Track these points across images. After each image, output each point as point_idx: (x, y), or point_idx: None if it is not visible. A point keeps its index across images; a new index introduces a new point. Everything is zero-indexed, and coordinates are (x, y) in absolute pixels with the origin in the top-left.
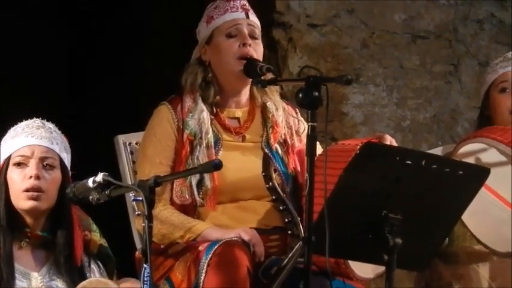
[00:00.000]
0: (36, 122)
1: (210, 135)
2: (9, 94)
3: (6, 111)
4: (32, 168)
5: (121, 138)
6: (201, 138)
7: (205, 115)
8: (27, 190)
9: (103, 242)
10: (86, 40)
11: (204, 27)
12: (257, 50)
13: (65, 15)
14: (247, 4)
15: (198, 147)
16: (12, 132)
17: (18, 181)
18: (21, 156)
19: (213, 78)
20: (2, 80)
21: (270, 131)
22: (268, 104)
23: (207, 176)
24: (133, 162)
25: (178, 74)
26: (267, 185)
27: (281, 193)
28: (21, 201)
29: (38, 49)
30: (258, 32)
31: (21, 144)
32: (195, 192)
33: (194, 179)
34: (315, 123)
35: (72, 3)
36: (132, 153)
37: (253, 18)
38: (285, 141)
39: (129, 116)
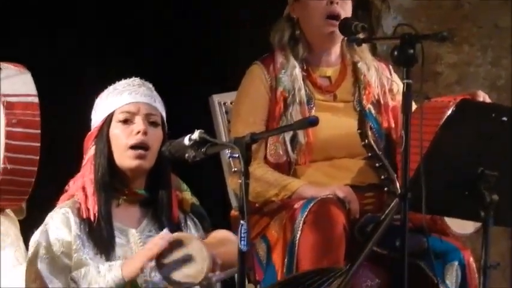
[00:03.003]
0: (136, 80)
1: (303, 92)
2: (107, 55)
3: (104, 71)
4: (138, 124)
5: (216, 98)
6: (294, 95)
7: (298, 71)
8: (134, 146)
9: (195, 200)
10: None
11: None
12: (345, 8)
13: None
14: None
15: (292, 104)
16: (112, 90)
17: (124, 137)
18: (127, 112)
19: (301, 34)
20: (101, 41)
21: (363, 92)
22: (360, 64)
23: (300, 132)
24: (228, 121)
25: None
26: (363, 142)
27: (377, 150)
28: (127, 159)
29: (129, 10)
30: None
31: (126, 101)
32: (289, 148)
33: (288, 136)
34: (410, 81)
35: None
36: (227, 112)
37: None
38: (378, 101)
39: (224, 75)
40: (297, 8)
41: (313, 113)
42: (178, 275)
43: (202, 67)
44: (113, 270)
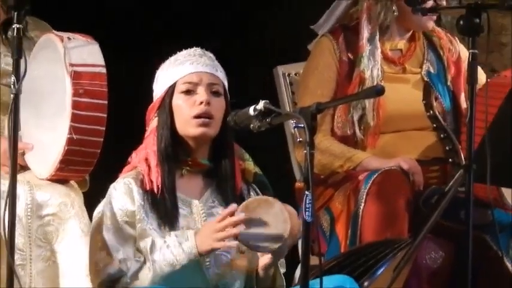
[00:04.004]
0: (197, 50)
1: (380, 75)
2: (171, 25)
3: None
4: (201, 95)
5: (280, 69)
6: (371, 75)
7: (378, 53)
8: (197, 116)
9: (257, 170)
10: None
11: None
12: None
13: None
14: None
15: (367, 83)
16: (173, 60)
17: (187, 108)
18: (189, 83)
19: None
20: (167, 9)
21: (444, 58)
22: (428, 32)
23: (369, 114)
24: (293, 93)
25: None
26: (428, 113)
27: (442, 121)
28: (191, 128)
29: None
30: None
31: (188, 71)
32: (356, 128)
33: (356, 115)
34: (476, 51)
35: None
36: (291, 84)
37: None
38: (449, 66)
39: (289, 46)
40: None
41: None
42: (257, 239)
43: (266, 37)
44: (185, 243)
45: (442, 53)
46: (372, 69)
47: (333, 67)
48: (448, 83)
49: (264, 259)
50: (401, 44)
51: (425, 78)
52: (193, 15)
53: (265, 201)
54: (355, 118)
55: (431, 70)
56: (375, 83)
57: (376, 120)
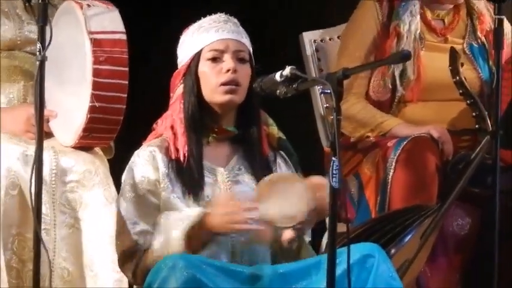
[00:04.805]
0: (221, 16)
1: (418, 30)
2: None
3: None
4: (228, 62)
5: (307, 36)
6: (409, 30)
7: (417, 8)
8: (224, 84)
9: (281, 135)
10: None
11: None
12: None
13: None
14: None
15: (405, 39)
16: (197, 27)
17: (214, 76)
18: (215, 50)
19: None
20: None
21: (477, 23)
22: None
23: (409, 68)
24: (319, 59)
25: None
26: (454, 79)
27: (468, 87)
28: (218, 95)
29: None
30: None
31: (213, 38)
32: (398, 82)
33: (397, 70)
34: (502, 16)
35: None
36: (317, 50)
37: None
38: (491, 30)
39: (315, 12)
40: None
41: (422, 53)
42: (276, 216)
43: (293, 2)
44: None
45: (477, 14)
46: (409, 23)
47: (374, 31)
48: (489, 59)
49: (287, 233)
50: (444, 13)
51: (467, 51)
52: None
53: (286, 177)
54: (396, 73)
55: (473, 43)
56: (413, 36)
57: (416, 74)
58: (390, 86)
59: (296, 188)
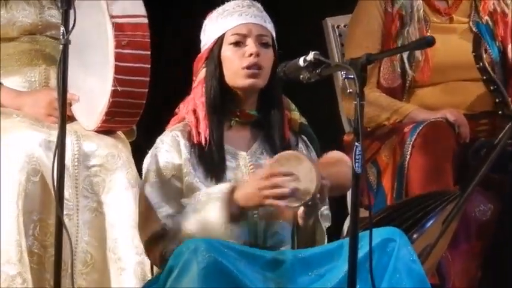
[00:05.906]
0: (245, 1)
1: (422, 10)
2: None
3: None
4: (251, 46)
5: (329, 21)
6: (412, 13)
7: None
8: (247, 67)
9: (303, 120)
10: None
11: None
12: None
13: None
14: None
15: (409, 21)
16: (221, 11)
17: (236, 60)
18: (238, 34)
19: None
20: None
21: (479, 4)
22: None
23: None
24: (342, 44)
25: None
26: (477, 65)
27: (492, 73)
28: (240, 79)
29: None
30: None
31: (236, 22)
32: (407, 65)
33: (405, 54)
34: None
35: None
36: (340, 35)
37: None
38: (495, 10)
39: None
40: None
41: (428, 34)
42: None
43: None
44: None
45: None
46: (411, 6)
47: (378, 19)
48: (496, 35)
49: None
50: None
51: (474, 29)
52: None
53: (295, 156)
54: (405, 56)
55: (479, 20)
56: (417, 18)
57: (424, 55)
58: (399, 70)
59: (303, 166)
